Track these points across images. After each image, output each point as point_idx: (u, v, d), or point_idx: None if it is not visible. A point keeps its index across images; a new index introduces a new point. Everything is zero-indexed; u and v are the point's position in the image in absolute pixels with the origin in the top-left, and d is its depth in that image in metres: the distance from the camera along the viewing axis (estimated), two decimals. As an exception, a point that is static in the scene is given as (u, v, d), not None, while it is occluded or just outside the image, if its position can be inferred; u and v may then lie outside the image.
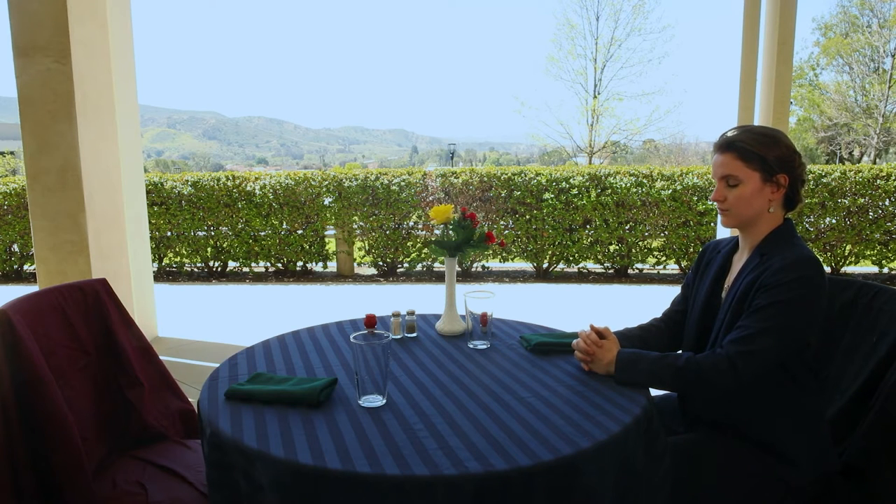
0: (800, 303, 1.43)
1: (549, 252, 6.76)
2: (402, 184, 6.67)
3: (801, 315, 1.44)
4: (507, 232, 6.71)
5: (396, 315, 1.88)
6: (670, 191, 6.37)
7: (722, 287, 1.66)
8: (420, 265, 7.18)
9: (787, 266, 1.44)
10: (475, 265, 7.09)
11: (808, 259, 1.45)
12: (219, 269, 7.12)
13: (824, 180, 6.18)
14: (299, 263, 7.06)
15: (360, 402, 1.37)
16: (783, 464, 1.50)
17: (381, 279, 6.87)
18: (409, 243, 6.90)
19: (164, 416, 1.86)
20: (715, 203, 1.60)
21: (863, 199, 6.22)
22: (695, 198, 6.38)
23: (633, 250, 6.66)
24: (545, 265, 6.86)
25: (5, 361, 1.44)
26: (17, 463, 1.44)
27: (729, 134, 1.56)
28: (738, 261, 1.64)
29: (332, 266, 7.17)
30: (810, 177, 6.16)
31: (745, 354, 1.43)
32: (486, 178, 6.68)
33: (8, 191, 6.78)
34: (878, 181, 6.15)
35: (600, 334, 1.64)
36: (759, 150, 1.51)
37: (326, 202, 6.81)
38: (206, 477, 1.30)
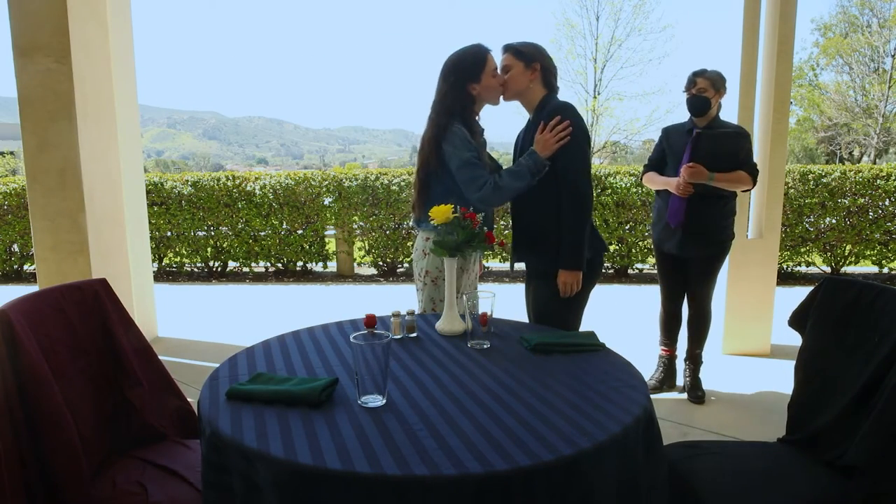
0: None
1: (549, 252, 6.75)
2: (402, 184, 6.66)
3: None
4: (507, 232, 6.71)
5: (396, 315, 1.88)
6: (670, 191, 6.36)
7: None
8: (420, 265, 7.18)
9: (554, 111, 2.30)
10: (475, 265, 7.09)
11: (563, 105, 2.32)
12: (219, 269, 7.12)
13: (824, 180, 6.18)
14: (299, 263, 7.06)
15: (360, 402, 1.37)
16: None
17: (381, 279, 6.86)
18: (409, 243, 6.89)
19: (163, 416, 1.85)
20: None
21: (863, 199, 6.22)
22: (695, 198, 6.37)
23: (633, 250, 6.66)
24: (545, 265, 6.85)
25: (6, 361, 1.44)
26: (27, 462, 1.44)
27: (508, 44, 2.42)
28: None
29: (332, 266, 7.17)
30: (810, 177, 6.17)
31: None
32: (486, 178, 6.67)
33: (8, 191, 6.78)
34: (878, 181, 6.15)
35: None
36: (523, 50, 2.39)
37: (326, 202, 6.81)
38: (201, 476, 1.30)
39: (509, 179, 2.28)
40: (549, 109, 2.32)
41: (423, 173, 2.41)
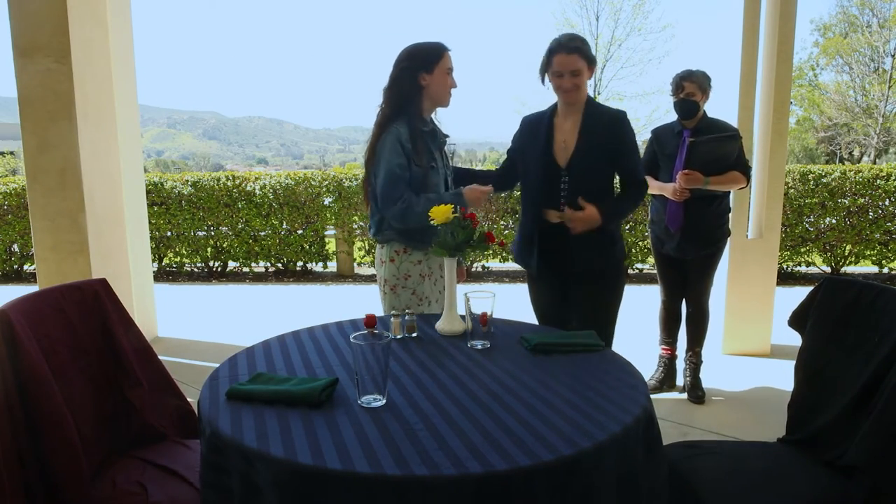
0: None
1: (549, 252, 6.74)
2: (402, 184, 6.66)
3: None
4: (507, 232, 6.71)
5: (396, 315, 1.88)
6: (670, 191, 6.36)
7: (552, 143, 2.37)
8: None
9: (619, 120, 2.34)
10: (475, 265, 7.08)
11: (620, 114, 2.36)
12: (219, 269, 7.12)
13: (824, 180, 6.18)
14: (299, 263, 7.05)
15: (360, 402, 1.37)
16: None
17: (381, 279, 6.86)
18: (409, 243, 6.89)
19: (163, 416, 1.85)
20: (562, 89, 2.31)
21: (863, 199, 6.21)
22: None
23: (633, 250, 6.66)
24: (545, 265, 6.84)
25: (6, 361, 1.44)
26: (27, 462, 1.44)
27: (572, 44, 2.26)
28: (564, 122, 2.38)
29: (332, 266, 7.17)
30: (810, 177, 6.16)
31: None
32: (486, 178, 6.66)
33: (8, 191, 6.78)
34: (878, 181, 6.14)
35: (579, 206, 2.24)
36: (588, 52, 2.29)
37: (326, 202, 6.80)
38: (200, 476, 1.30)
39: (426, 208, 1.97)
40: (607, 120, 2.33)
41: (369, 164, 2.28)
